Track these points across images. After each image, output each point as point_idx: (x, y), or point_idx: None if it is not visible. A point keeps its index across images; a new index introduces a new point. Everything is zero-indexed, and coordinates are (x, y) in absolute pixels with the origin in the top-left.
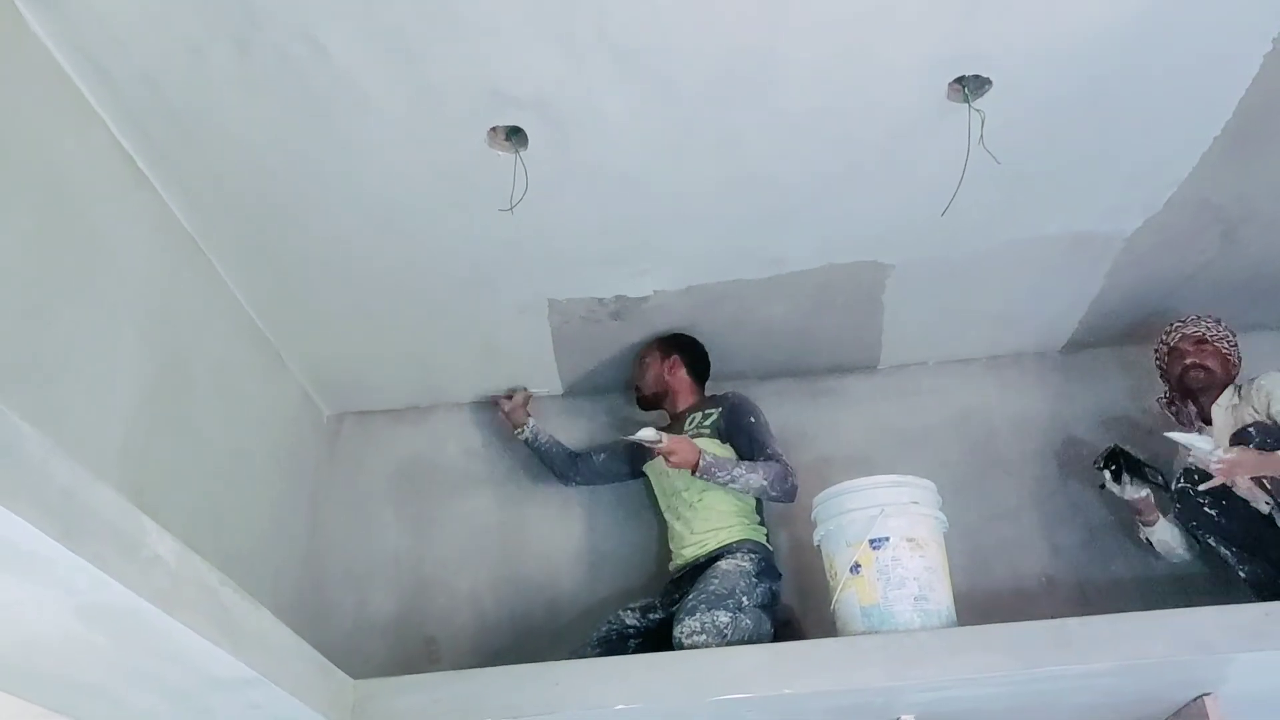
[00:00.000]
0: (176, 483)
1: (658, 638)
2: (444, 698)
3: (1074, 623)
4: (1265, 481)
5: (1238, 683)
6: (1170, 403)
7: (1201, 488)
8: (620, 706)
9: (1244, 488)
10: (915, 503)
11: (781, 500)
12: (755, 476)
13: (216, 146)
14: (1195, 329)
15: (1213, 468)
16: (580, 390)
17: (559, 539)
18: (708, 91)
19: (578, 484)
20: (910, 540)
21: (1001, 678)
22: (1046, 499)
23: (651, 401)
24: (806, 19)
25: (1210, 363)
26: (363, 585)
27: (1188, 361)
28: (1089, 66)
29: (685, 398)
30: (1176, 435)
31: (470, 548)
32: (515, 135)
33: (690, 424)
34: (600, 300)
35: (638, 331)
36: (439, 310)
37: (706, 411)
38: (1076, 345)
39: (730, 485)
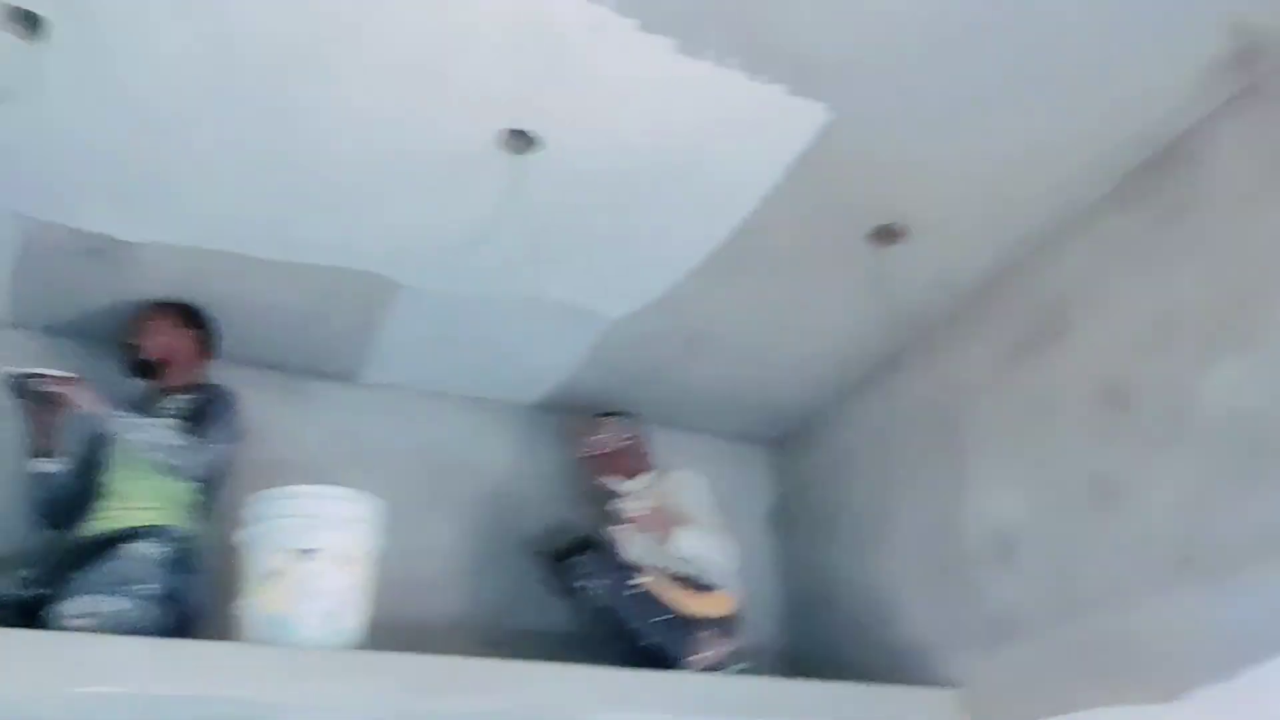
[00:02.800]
0: None
1: (31, 612)
2: None
3: (465, 662)
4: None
5: None
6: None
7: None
8: None
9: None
10: (353, 520)
11: (191, 473)
12: (168, 434)
13: None
14: (597, 436)
15: (628, 515)
16: (35, 325)
17: None
18: (260, 61)
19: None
20: (339, 556)
21: (390, 707)
22: (484, 544)
23: (147, 369)
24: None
25: (616, 458)
26: None
27: (596, 461)
28: (636, 157)
29: (184, 374)
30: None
31: None
32: (28, 19)
33: (170, 402)
34: (77, 232)
35: (119, 281)
36: None
37: (191, 395)
38: (548, 406)
39: (131, 434)
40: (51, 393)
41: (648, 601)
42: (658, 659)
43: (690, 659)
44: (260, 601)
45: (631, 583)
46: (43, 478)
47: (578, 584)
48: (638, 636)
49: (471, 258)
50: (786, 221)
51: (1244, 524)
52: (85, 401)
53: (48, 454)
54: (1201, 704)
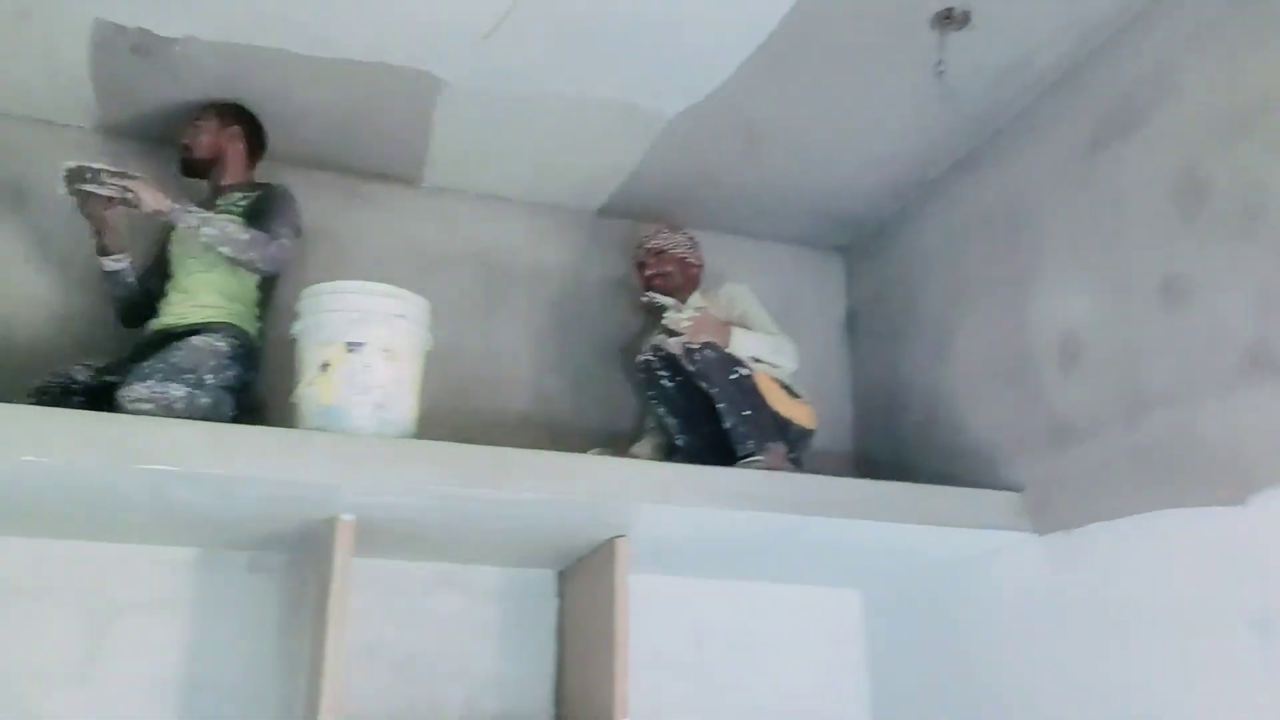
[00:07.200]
0: None
1: (108, 401)
2: None
3: (512, 452)
4: (695, 354)
5: (644, 529)
6: (647, 304)
7: (673, 341)
8: (30, 458)
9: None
10: (401, 316)
11: (257, 266)
12: (235, 228)
13: None
14: (653, 243)
15: (682, 325)
16: (111, 129)
17: (21, 281)
18: None
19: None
20: (386, 350)
21: (438, 492)
22: (545, 347)
23: (197, 168)
24: None
25: (668, 269)
26: None
27: (648, 273)
28: None
29: (234, 174)
30: (655, 296)
31: None
32: None
33: (226, 200)
34: (120, 27)
35: (167, 79)
36: None
37: (247, 194)
38: (609, 212)
39: (204, 229)
40: (109, 187)
41: (749, 390)
42: (721, 459)
43: (755, 460)
44: (314, 392)
45: (739, 367)
46: (110, 275)
47: (695, 347)
48: (722, 420)
49: (506, 51)
50: (842, 4)
51: None
52: (148, 198)
53: (111, 251)
54: (1269, 506)
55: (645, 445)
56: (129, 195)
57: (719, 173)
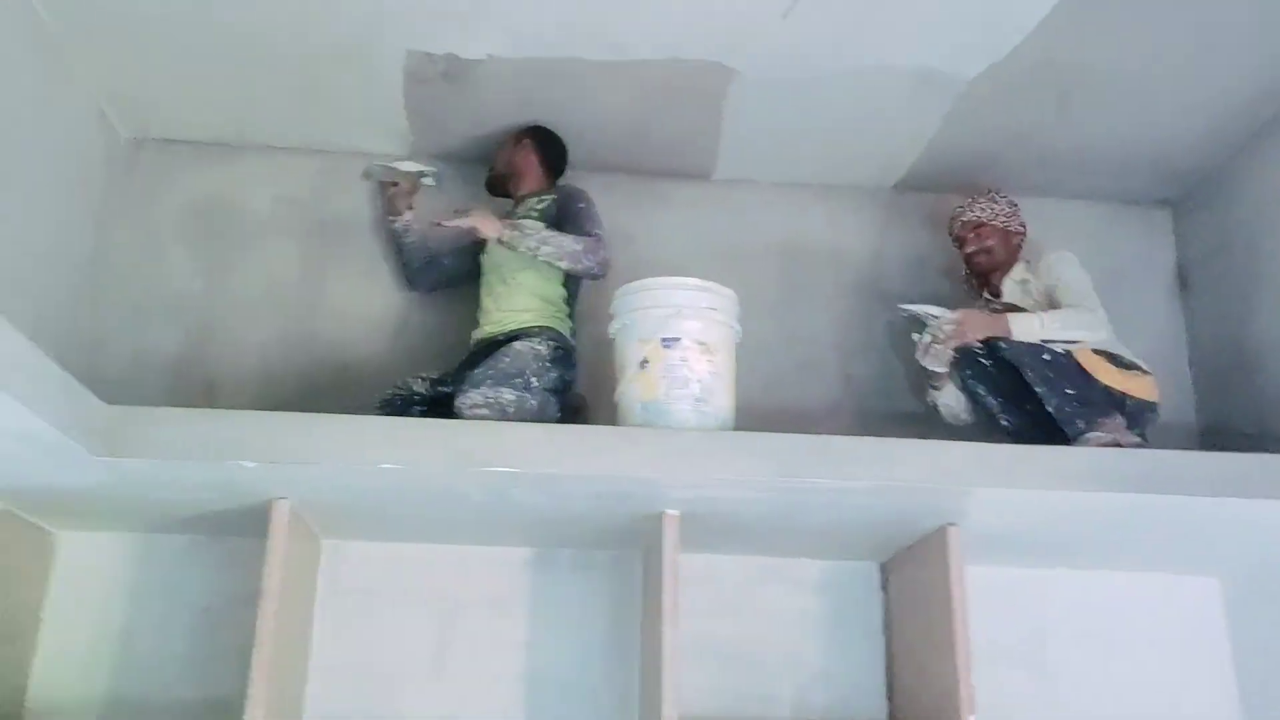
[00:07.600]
0: None
1: (444, 409)
2: (203, 433)
3: (838, 440)
4: (1002, 343)
5: (978, 517)
6: (967, 279)
7: (939, 346)
8: (386, 465)
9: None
10: (713, 309)
11: (594, 272)
12: (568, 240)
13: None
14: (971, 214)
15: (945, 329)
16: (425, 154)
17: (362, 303)
18: None
19: (425, 291)
20: (701, 344)
21: (762, 483)
22: (850, 331)
23: (499, 185)
24: None
25: (990, 243)
26: (144, 321)
27: (969, 250)
28: None
29: (530, 183)
30: (909, 306)
31: (264, 298)
32: None
33: (524, 207)
34: (430, 56)
35: (473, 100)
36: (258, 37)
37: (542, 197)
38: (907, 186)
39: (542, 249)
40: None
41: (1066, 368)
42: (1051, 438)
43: (1089, 436)
44: (634, 389)
45: (1050, 346)
46: (393, 234)
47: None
48: (1044, 403)
49: (798, 29)
50: None
51: None
52: (488, 228)
53: (398, 211)
54: None
55: (949, 390)
56: (465, 224)
57: (1027, 132)
